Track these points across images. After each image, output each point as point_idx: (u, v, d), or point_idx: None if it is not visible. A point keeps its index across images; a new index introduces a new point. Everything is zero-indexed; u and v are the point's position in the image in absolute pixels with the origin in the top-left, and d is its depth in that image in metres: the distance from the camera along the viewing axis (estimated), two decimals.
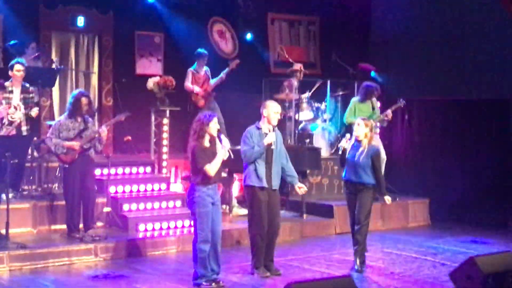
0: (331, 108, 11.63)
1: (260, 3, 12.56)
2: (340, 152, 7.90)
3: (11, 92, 8.57)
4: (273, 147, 7.35)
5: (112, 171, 9.47)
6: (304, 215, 10.06)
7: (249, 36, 12.55)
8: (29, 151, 8.97)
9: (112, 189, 9.22)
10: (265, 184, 7.32)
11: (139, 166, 10.04)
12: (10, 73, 8.61)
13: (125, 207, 9.16)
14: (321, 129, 11.19)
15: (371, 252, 8.20)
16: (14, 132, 8.45)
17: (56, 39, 10.92)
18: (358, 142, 7.69)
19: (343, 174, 7.88)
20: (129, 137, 9.49)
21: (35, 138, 9.20)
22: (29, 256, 7.65)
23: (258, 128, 7.42)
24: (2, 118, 8.27)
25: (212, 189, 6.90)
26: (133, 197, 9.43)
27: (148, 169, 10.14)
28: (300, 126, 11.16)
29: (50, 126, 9.88)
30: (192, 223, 7.23)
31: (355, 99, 10.48)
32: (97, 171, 9.09)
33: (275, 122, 7.43)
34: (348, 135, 7.98)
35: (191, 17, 11.83)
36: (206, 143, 6.89)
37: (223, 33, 12.56)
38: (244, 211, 10.02)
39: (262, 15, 12.87)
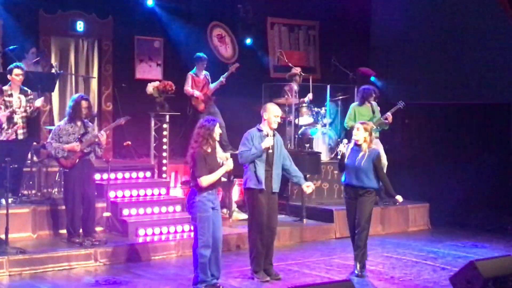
0: (331, 112, 11.63)
1: (259, 7, 12.58)
2: (338, 157, 7.88)
3: (11, 95, 8.57)
4: (270, 151, 7.35)
5: (112, 175, 9.46)
6: (304, 220, 10.06)
7: (248, 40, 12.57)
8: (29, 156, 8.96)
9: (112, 194, 9.21)
10: (264, 187, 7.32)
11: (139, 171, 10.04)
12: (9, 77, 8.61)
13: (125, 211, 9.15)
14: (321, 133, 11.19)
15: (371, 256, 8.19)
16: (13, 136, 8.44)
17: (56, 44, 10.93)
18: (357, 146, 7.67)
19: (342, 178, 7.86)
20: (129, 142, 9.49)
21: (34, 143, 9.19)
22: (28, 261, 7.64)
23: (259, 130, 7.42)
24: (1, 124, 8.27)
25: (212, 194, 6.89)
26: (133, 201, 9.42)
27: (148, 173, 10.14)
28: (300, 131, 11.18)
29: (49, 131, 9.91)
30: (192, 228, 7.22)
31: (353, 104, 10.51)
32: (97, 176, 9.07)
33: (275, 126, 7.44)
34: (345, 140, 7.96)
35: (191, 22, 11.85)
36: (209, 149, 6.89)
37: (222, 38, 12.57)
38: (244, 216, 10.03)
39: (261, 20, 12.89)
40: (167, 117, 10.42)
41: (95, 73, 11.23)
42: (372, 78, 12.17)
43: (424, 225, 11.01)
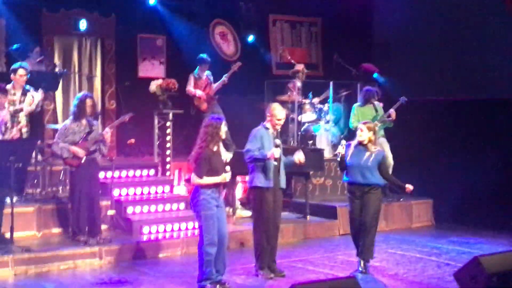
0: (334, 109, 11.63)
1: (261, 4, 12.57)
2: (338, 159, 7.86)
3: (14, 94, 8.59)
4: (275, 163, 7.33)
5: (116, 174, 9.49)
6: (308, 217, 10.07)
7: (251, 38, 12.57)
8: (33, 155, 8.98)
9: (116, 192, 9.23)
10: (272, 185, 7.33)
11: (142, 169, 10.06)
12: (12, 76, 8.63)
13: (129, 210, 9.17)
14: (324, 130, 11.19)
15: (375, 252, 8.18)
16: (18, 135, 8.47)
17: (59, 43, 10.94)
18: (363, 146, 7.65)
19: (345, 177, 7.84)
20: (133, 140, 9.50)
21: (38, 142, 9.21)
22: (33, 260, 7.66)
23: (266, 129, 7.42)
24: (6, 122, 8.29)
25: (216, 192, 6.91)
26: (137, 199, 9.44)
27: (152, 171, 10.16)
28: (303, 128, 11.18)
29: (53, 129, 9.93)
30: (197, 225, 7.23)
31: (356, 105, 10.55)
32: (101, 174, 9.10)
33: (278, 128, 7.47)
34: (344, 142, 7.95)
35: (193, 20, 11.85)
36: (215, 148, 6.91)
37: (225, 35, 12.57)
38: (247, 213, 10.05)
39: (263, 17, 12.89)
40: (171, 115, 10.43)
41: (98, 72, 11.25)
42: (375, 75, 12.17)
43: (427, 221, 11.01)
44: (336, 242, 9.51)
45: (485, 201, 10.87)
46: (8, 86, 8.58)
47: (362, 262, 7.72)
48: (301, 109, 11.16)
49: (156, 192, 9.76)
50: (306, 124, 11.25)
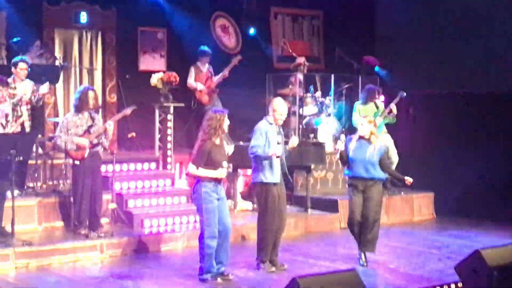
0: (335, 102, 11.61)
1: None
2: (337, 155, 7.87)
3: (14, 88, 8.58)
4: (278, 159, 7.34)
5: (117, 167, 9.47)
6: (309, 210, 10.07)
7: (252, 31, 12.53)
8: (34, 148, 8.98)
9: (117, 186, 9.23)
10: (277, 180, 7.33)
11: (143, 162, 10.06)
12: (13, 69, 8.62)
13: (130, 203, 9.17)
14: (325, 123, 11.17)
15: (376, 246, 8.18)
16: (19, 129, 8.46)
17: (59, 36, 10.91)
18: (365, 140, 7.66)
19: (346, 171, 7.83)
20: (134, 134, 9.49)
21: (39, 136, 9.20)
22: (35, 253, 7.66)
23: (270, 123, 7.41)
24: (7, 115, 8.28)
25: (217, 185, 6.91)
26: (138, 193, 9.44)
27: (153, 165, 10.15)
28: (304, 121, 11.17)
29: (54, 123, 9.92)
30: (198, 219, 7.24)
31: (358, 102, 10.57)
32: (102, 168, 9.08)
33: (280, 123, 7.46)
34: (343, 137, 7.95)
35: (194, 12, 11.80)
36: (217, 141, 6.90)
37: (226, 28, 12.54)
38: (249, 206, 10.06)
39: (265, 10, 12.84)
40: (172, 108, 10.41)
41: (99, 65, 11.22)
42: (376, 68, 12.15)
43: (429, 215, 11.01)
44: (337, 235, 9.51)
45: (486, 194, 10.86)
46: (9, 80, 8.57)
47: (363, 255, 7.73)
48: (302, 102, 11.14)
49: (157, 186, 9.75)
50: (308, 118, 11.23)
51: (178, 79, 10.39)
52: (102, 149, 8.41)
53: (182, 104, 10.66)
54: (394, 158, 10.46)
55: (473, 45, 11.53)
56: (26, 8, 10.33)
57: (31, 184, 9.06)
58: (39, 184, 9.17)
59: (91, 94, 8.30)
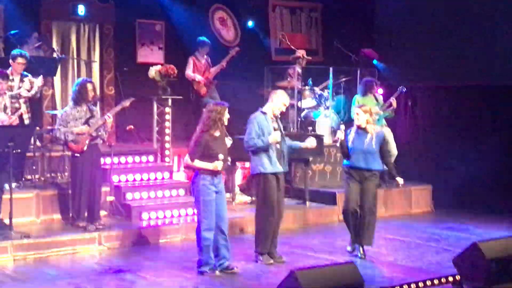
0: (334, 98, 11.60)
1: None
2: (338, 145, 7.86)
3: (12, 80, 8.56)
4: (278, 146, 7.32)
5: (115, 160, 9.47)
6: (307, 203, 10.07)
7: (250, 23, 12.51)
8: (32, 140, 8.96)
9: (115, 178, 9.22)
10: (277, 169, 7.32)
11: (141, 155, 10.05)
12: (11, 62, 8.60)
13: (129, 196, 9.17)
14: (324, 116, 11.17)
15: (374, 239, 8.19)
16: (17, 121, 8.45)
17: (57, 28, 10.88)
18: (362, 129, 7.67)
19: (345, 161, 7.83)
20: (132, 126, 9.48)
21: (37, 128, 9.19)
22: (33, 246, 7.67)
23: (264, 113, 7.39)
24: (6, 108, 8.27)
25: (216, 178, 6.90)
26: (136, 186, 9.44)
27: (151, 158, 10.14)
28: (302, 114, 11.16)
29: (52, 115, 9.90)
30: (195, 211, 7.25)
31: (357, 96, 10.59)
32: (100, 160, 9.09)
33: (278, 112, 7.44)
34: (343, 127, 7.95)
35: (192, 5, 11.78)
36: (217, 133, 6.89)
37: (224, 21, 12.51)
38: (247, 199, 10.06)
39: (263, 2, 12.82)
40: (170, 101, 10.40)
41: (96, 57, 11.19)
42: (375, 61, 12.14)
43: (427, 207, 11.02)
44: (335, 228, 9.51)
45: (484, 187, 10.87)
46: (8, 71, 8.55)
47: (361, 248, 7.75)
48: (301, 95, 11.13)
49: (156, 178, 9.75)
50: (306, 110, 11.22)
51: (176, 71, 10.37)
52: (101, 142, 8.40)
53: (180, 97, 10.64)
54: (393, 151, 10.47)
55: (473, 38, 11.52)
56: (23, 0, 10.29)
57: (29, 177, 9.06)
58: (37, 176, 9.16)
59: (89, 86, 8.29)
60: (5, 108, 8.23)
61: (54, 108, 10.43)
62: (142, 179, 9.62)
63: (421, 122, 12.00)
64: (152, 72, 10.36)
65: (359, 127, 7.70)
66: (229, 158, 7.67)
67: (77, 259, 7.70)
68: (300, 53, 11.27)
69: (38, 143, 9.30)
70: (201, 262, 6.95)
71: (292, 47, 11.53)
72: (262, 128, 7.28)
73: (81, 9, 10.73)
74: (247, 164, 9.28)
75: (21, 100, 8.55)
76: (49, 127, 9.77)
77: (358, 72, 11.43)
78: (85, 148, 8.16)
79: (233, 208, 9.55)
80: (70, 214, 8.45)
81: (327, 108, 11.30)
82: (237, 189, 10.25)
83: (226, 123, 7.00)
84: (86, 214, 8.29)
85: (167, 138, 10.39)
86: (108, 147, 9.00)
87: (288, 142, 7.53)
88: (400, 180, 7.89)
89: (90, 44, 11.17)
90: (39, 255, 7.64)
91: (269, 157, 7.29)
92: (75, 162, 8.28)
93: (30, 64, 8.79)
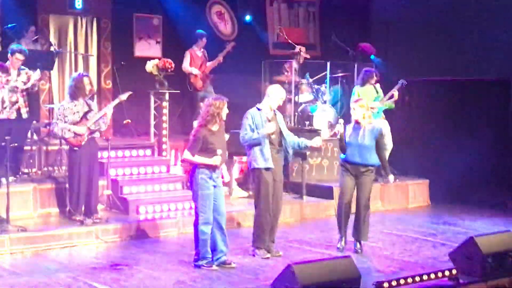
0: (331, 89, 11.60)
1: None
2: (338, 137, 7.86)
3: (9, 74, 8.54)
4: (273, 136, 7.32)
5: (112, 154, 9.47)
6: (304, 197, 10.08)
7: (248, 17, 12.49)
8: (29, 134, 8.96)
9: (112, 172, 9.22)
10: (271, 165, 7.33)
11: (139, 149, 10.05)
12: (9, 56, 8.58)
13: (126, 189, 9.17)
14: (321, 110, 11.17)
15: (371, 233, 8.21)
16: (14, 115, 8.44)
17: (54, 22, 10.86)
18: (358, 124, 7.68)
19: (342, 156, 7.83)
20: (129, 120, 9.47)
21: (34, 122, 9.18)
22: (30, 240, 7.67)
23: (259, 110, 7.40)
24: (4, 102, 8.26)
25: (214, 172, 6.91)
26: (133, 179, 9.44)
27: (148, 151, 10.14)
28: (300, 108, 11.16)
29: (49, 109, 9.89)
30: (193, 204, 7.26)
31: (357, 86, 10.56)
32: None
33: (275, 106, 7.44)
34: (341, 120, 7.96)
35: None
36: (215, 128, 6.89)
37: (222, 15, 12.50)
38: (244, 193, 10.07)
39: None
40: (167, 95, 10.38)
41: (94, 51, 11.18)
42: (372, 56, 12.13)
43: (423, 202, 11.04)
44: (332, 222, 9.48)
45: (481, 181, 10.90)
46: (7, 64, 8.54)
47: (358, 243, 7.77)
48: (298, 89, 11.13)
49: (153, 172, 9.75)
50: (303, 105, 11.22)
51: (173, 65, 10.35)
52: (98, 135, 8.40)
53: (177, 91, 10.63)
54: (389, 145, 10.48)
55: (470, 32, 11.53)
56: None
57: (26, 170, 9.05)
58: (34, 170, 9.15)
59: (86, 80, 8.28)
60: (2, 101, 8.22)
61: (51, 102, 10.41)
62: (139, 173, 9.62)
63: (418, 116, 12.01)
64: (150, 66, 10.34)
65: (356, 122, 7.72)
66: (226, 153, 7.70)
67: (74, 253, 7.70)
68: (299, 49, 11.27)
69: (35, 137, 9.29)
70: (198, 256, 6.96)
71: (290, 41, 11.52)
72: (256, 124, 7.29)
73: (78, 3, 10.72)
74: (244, 158, 9.29)
75: (19, 94, 8.54)
76: (46, 121, 9.75)
77: (355, 66, 11.42)
78: (83, 142, 8.16)
79: (230, 202, 9.57)
80: (67, 208, 8.46)
81: (324, 102, 11.31)
82: (234, 183, 10.25)
83: (224, 118, 7.00)
84: (83, 208, 8.29)
85: (164, 132, 10.38)
86: (105, 141, 9.00)
87: (297, 140, 7.52)
88: (391, 179, 7.90)
89: (88, 38, 11.16)
90: (36, 249, 7.64)
91: (262, 153, 7.29)
92: (72, 156, 8.28)
93: (28, 57, 8.77)
